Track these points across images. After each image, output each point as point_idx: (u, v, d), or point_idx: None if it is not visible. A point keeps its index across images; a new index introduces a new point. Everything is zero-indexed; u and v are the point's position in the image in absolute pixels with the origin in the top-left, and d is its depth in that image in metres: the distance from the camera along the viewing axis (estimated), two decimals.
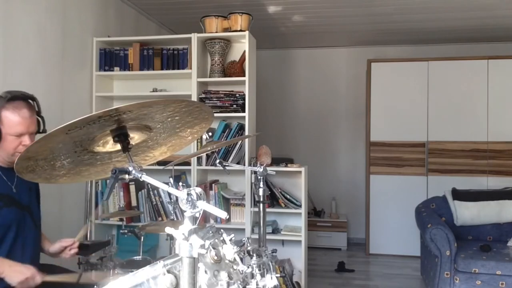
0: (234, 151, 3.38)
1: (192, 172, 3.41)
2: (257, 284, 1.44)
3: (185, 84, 3.52)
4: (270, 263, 1.84)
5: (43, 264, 1.96)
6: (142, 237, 2.45)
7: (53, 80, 3.04)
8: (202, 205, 1.00)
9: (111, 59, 3.57)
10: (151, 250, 3.47)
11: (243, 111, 3.37)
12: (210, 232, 1.17)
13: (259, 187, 2.25)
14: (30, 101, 1.77)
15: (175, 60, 3.50)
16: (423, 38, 5.16)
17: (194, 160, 3.39)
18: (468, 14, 4.24)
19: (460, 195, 3.82)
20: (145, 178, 1.10)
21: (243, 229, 3.32)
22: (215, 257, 1.13)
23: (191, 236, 0.98)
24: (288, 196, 3.34)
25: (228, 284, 1.12)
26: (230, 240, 1.22)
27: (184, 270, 0.99)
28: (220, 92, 3.44)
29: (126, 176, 1.12)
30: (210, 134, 2.11)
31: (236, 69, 3.43)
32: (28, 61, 2.80)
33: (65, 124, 1.06)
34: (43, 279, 1.64)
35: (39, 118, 1.79)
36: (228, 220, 3.42)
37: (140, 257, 2.30)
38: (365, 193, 5.06)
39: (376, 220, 4.89)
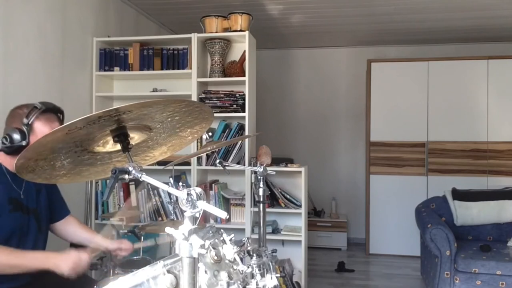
0: (234, 151, 3.38)
1: (192, 172, 3.41)
2: (257, 284, 1.44)
3: (185, 84, 3.52)
4: (270, 263, 1.84)
5: None
6: (142, 237, 2.45)
7: (53, 80, 3.04)
8: (202, 205, 1.00)
9: (111, 59, 3.57)
10: (151, 250, 3.46)
11: (243, 111, 3.37)
12: (210, 232, 1.17)
13: (259, 187, 2.25)
14: (60, 115, 1.81)
15: (175, 60, 3.50)
16: (423, 38, 5.16)
17: (194, 160, 3.39)
18: (468, 14, 4.24)
19: (460, 195, 3.82)
20: (145, 178, 1.10)
21: (243, 229, 3.32)
22: (215, 257, 1.13)
23: (191, 236, 0.98)
24: (288, 196, 3.34)
25: (228, 284, 1.12)
26: (230, 240, 1.22)
27: (184, 270, 0.99)
28: (220, 92, 3.44)
29: (126, 176, 1.12)
30: (210, 134, 2.11)
31: (236, 69, 3.43)
32: (28, 61, 2.80)
33: (65, 124, 1.06)
34: (89, 255, 1.69)
35: None
36: (228, 220, 3.42)
37: (140, 257, 2.30)
38: (365, 193, 5.06)
39: (376, 220, 4.89)
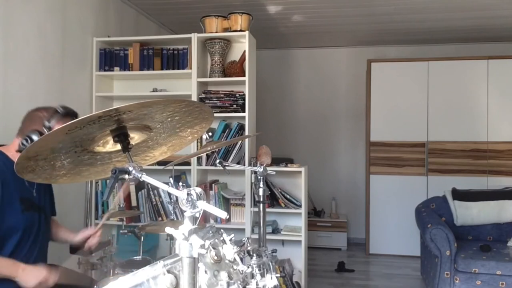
0: (234, 151, 3.38)
1: (192, 172, 3.41)
2: (257, 284, 1.44)
3: (185, 84, 3.52)
4: (270, 263, 1.84)
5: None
6: (142, 237, 2.45)
7: (53, 80, 3.04)
8: (202, 205, 1.00)
9: (111, 59, 3.57)
10: (151, 250, 3.47)
11: (243, 111, 3.37)
12: (210, 232, 1.17)
13: (259, 187, 2.25)
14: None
15: (175, 60, 3.50)
16: (423, 38, 5.16)
17: (194, 160, 3.38)
18: (468, 14, 4.24)
19: (460, 195, 3.82)
20: (145, 178, 1.10)
21: (243, 229, 3.32)
22: (215, 257, 1.13)
23: (191, 236, 0.98)
24: (288, 196, 3.34)
25: (228, 284, 1.12)
26: (230, 240, 1.22)
27: (184, 270, 0.99)
28: (220, 92, 3.44)
29: (126, 176, 1.11)
30: (210, 134, 2.11)
31: (236, 69, 3.43)
32: (28, 61, 2.80)
33: (65, 124, 1.06)
34: (56, 281, 1.65)
35: None
36: (228, 220, 3.41)
37: (140, 257, 2.31)
38: (365, 193, 5.06)
39: (376, 220, 4.89)
